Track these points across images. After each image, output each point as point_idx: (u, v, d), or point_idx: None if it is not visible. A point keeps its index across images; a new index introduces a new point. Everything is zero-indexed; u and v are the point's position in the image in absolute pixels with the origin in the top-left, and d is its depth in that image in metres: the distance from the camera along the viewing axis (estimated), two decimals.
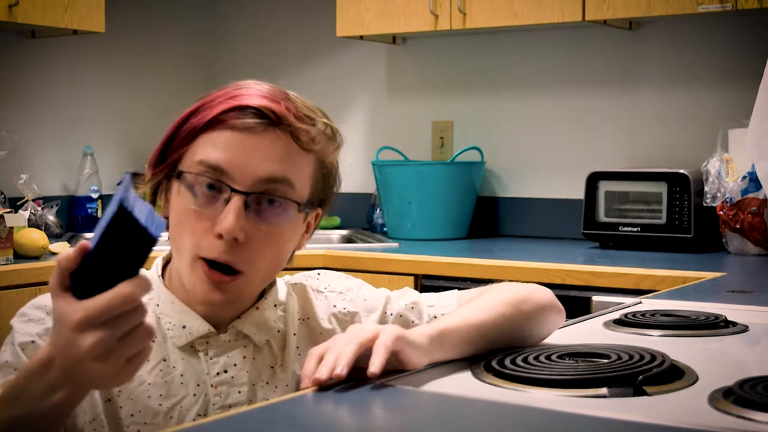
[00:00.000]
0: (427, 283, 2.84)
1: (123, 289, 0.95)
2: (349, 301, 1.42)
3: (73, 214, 3.59)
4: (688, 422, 0.99)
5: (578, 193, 3.24)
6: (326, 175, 1.34)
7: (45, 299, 1.28)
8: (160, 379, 1.28)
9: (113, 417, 1.26)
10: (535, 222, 3.53)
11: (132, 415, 1.26)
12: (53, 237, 3.13)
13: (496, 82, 3.61)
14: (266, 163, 1.25)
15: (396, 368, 1.17)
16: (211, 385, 1.29)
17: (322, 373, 1.10)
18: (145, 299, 1.28)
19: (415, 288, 2.81)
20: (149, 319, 1.26)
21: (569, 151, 3.47)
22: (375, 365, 1.11)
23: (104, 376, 0.97)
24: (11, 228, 2.68)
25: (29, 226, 2.95)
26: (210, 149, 1.25)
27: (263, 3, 4.10)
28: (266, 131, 1.26)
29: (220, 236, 1.23)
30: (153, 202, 1.32)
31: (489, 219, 3.62)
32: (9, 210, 2.81)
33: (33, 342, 1.23)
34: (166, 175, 1.30)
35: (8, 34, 3.43)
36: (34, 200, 3.26)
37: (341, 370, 1.10)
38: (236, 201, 1.24)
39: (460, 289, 1.48)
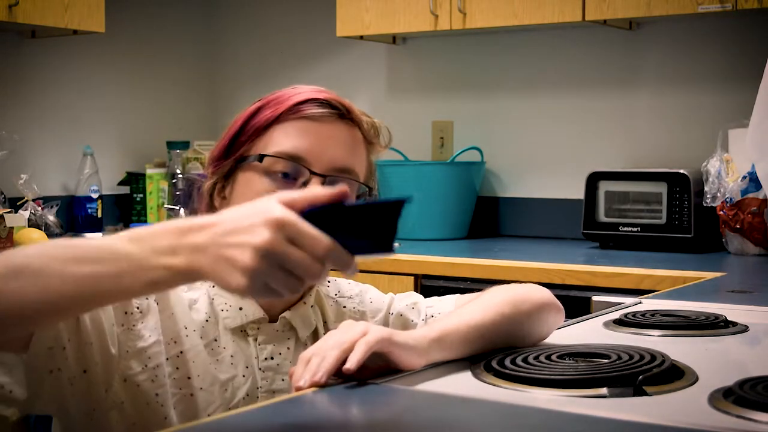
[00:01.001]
0: (427, 283, 2.84)
1: (337, 248, 0.93)
2: (359, 302, 1.49)
3: (73, 214, 3.59)
4: (688, 422, 0.99)
5: (578, 193, 3.24)
6: (372, 170, 1.43)
7: None
8: (211, 358, 1.32)
9: (180, 371, 1.28)
10: (535, 222, 3.53)
11: (191, 378, 1.29)
12: (53, 237, 3.13)
13: (496, 82, 3.61)
14: (340, 150, 1.35)
15: (389, 369, 1.17)
16: (260, 368, 1.34)
17: (305, 380, 1.12)
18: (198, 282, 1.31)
19: (415, 288, 2.82)
20: (202, 299, 1.34)
21: (569, 151, 3.47)
22: (351, 362, 1.12)
23: (240, 273, 0.91)
24: (11, 228, 2.68)
25: (29, 226, 2.95)
26: (286, 138, 1.33)
27: (263, 3, 4.10)
28: (337, 121, 1.36)
29: None
30: (210, 198, 1.37)
31: (489, 219, 3.62)
32: (9, 210, 2.81)
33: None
34: (231, 168, 1.35)
35: (8, 34, 3.43)
36: (34, 200, 3.26)
37: (320, 377, 1.11)
38: (315, 182, 1.31)
39: (460, 289, 1.49)
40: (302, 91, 1.37)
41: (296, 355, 1.33)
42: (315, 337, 1.40)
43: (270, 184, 1.32)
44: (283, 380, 1.35)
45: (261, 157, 1.33)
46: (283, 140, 1.33)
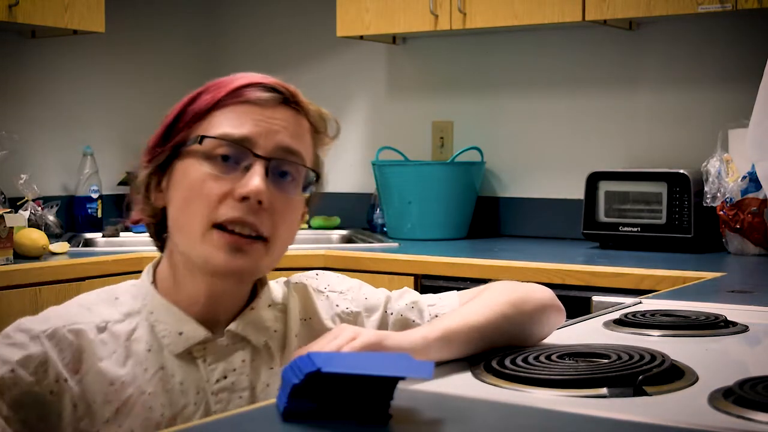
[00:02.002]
0: (427, 283, 2.84)
1: None
2: (351, 300, 1.41)
3: (73, 214, 3.59)
4: (688, 422, 0.99)
5: (578, 193, 3.24)
6: (319, 164, 1.34)
7: (30, 322, 1.23)
8: (161, 388, 1.24)
9: (134, 417, 1.22)
10: (535, 222, 3.53)
11: (132, 431, 1.22)
12: (53, 237, 3.13)
13: (496, 82, 3.61)
14: (284, 133, 1.27)
15: None
16: (212, 393, 1.26)
17: None
18: (136, 306, 1.28)
19: (415, 288, 2.82)
20: (141, 327, 1.26)
21: (569, 151, 3.47)
22: None
23: None
24: (11, 228, 2.68)
25: (29, 226, 2.95)
26: (228, 122, 1.25)
27: (263, 3, 4.10)
28: (280, 105, 1.28)
29: (242, 199, 1.22)
30: (146, 190, 1.30)
31: (489, 219, 3.62)
32: (9, 210, 2.81)
33: (12, 371, 1.17)
34: (168, 157, 1.28)
35: (8, 34, 3.43)
36: (34, 200, 3.26)
37: None
38: (259, 166, 1.23)
39: (459, 289, 1.47)
40: (244, 76, 1.29)
41: (254, 365, 1.29)
42: (283, 339, 1.33)
43: (210, 168, 1.23)
44: (240, 398, 1.27)
45: (201, 139, 1.24)
46: (223, 123, 1.25)
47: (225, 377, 1.27)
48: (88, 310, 1.27)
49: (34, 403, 1.18)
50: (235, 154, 1.24)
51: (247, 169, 1.24)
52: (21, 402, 1.17)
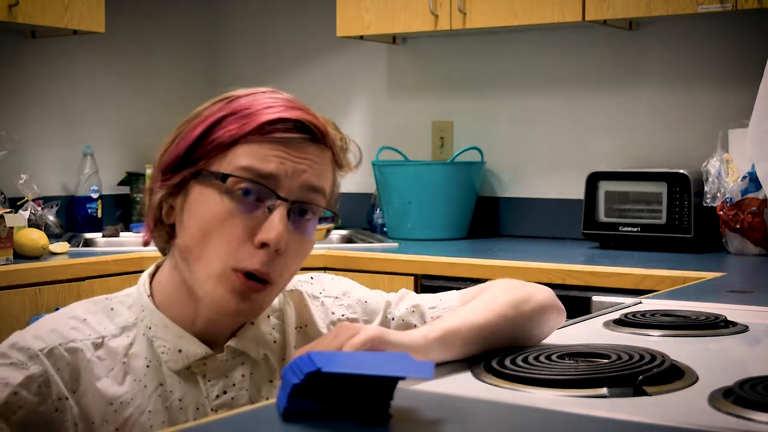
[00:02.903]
0: (426, 283, 2.84)
1: None
2: (347, 306, 1.40)
3: (73, 214, 3.59)
4: (688, 422, 0.99)
5: (578, 193, 3.24)
6: (335, 199, 1.33)
7: (25, 339, 1.21)
8: (161, 406, 1.23)
9: None
10: (535, 222, 3.53)
11: None
12: (53, 237, 3.13)
13: (496, 82, 3.61)
14: (310, 173, 1.23)
15: None
16: (212, 409, 1.25)
17: None
18: (132, 319, 1.27)
19: (415, 288, 2.82)
20: (139, 342, 1.24)
21: (569, 151, 3.47)
22: None
23: None
24: (11, 228, 2.68)
25: (29, 226, 2.95)
26: (254, 159, 1.21)
27: (263, 3, 4.10)
28: (309, 145, 1.24)
29: (261, 246, 1.19)
30: (159, 208, 1.26)
31: (489, 219, 3.62)
32: (9, 210, 2.81)
33: (16, 394, 1.16)
34: (184, 178, 1.24)
35: (8, 34, 3.43)
36: (34, 200, 3.26)
37: None
38: (282, 209, 1.20)
39: (459, 289, 1.47)
40: (271, 105, 1.24)
41: (254, 379, 1.28)
42: (282, 349, 1.33)
43: (231, 204, 1.20)
44: None
45: (225, 177, 1.20)
46: (248, 160, 1.21)
47: (225, 392, 1.26)
48: (84, 323, 1.25)
49: (40, 423, 1.17)
50: (257, 191, 1.21)
51: (270, 210, 1.21)
52: (27, 423, 1.16)
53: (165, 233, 1.27)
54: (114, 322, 1.26)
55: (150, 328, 1.26)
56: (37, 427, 1.17)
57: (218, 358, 1.27)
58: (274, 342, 1.32)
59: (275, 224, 1.19)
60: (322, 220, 1.29)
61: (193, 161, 1.23)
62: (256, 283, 1.21)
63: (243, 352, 1.28)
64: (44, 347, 1.20)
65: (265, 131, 1.22)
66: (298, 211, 1.24)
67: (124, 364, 1.23)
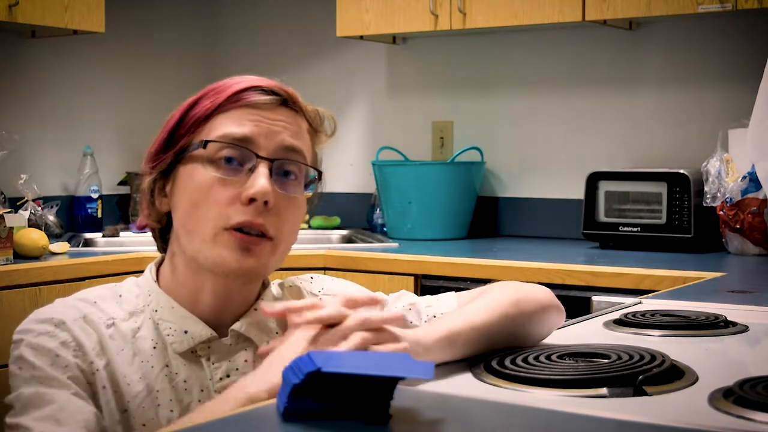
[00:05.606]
0: (427, 284, 2.84)
1: None
2: None
3: (73, 214, 3.59)
4: (688, 422, 0.99)
5: (578, 193, 3.24)
6: (318, 162, 1.38)
7: (46, 313, 1.26)
8: (167, 384, 1.27)
9: (128, 429, 1.24)
10: (535, 222, 3.53)
11: (144, 425, 1.24)
12: (53, 237, 3.13)
13: (496, 82, 3.61)
14: (285, 133, 1.30)
15: None
16: (215, 391, 1.28)
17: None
18: (140, 305, 1.30)
19: (415, 288, 2.82)
20: (146, 326, 1.29)
21: (569, 151, 3.47)
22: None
23: None
24: (11, 228, 2.68)
25: (29, 226, 2.95)
26: (230, 125, 1.29)
27: (263, 3, 4.10)
28: (280, 108, 1.31)
29: (249, 201, 1.25)
30: (151, 195, 1.32)
31: (489, 219, 3.62)
32: (9, 210, 2.81)
33: (57, 356, 1.21)
34: (171, 163, 1.30)
35: (8, 34, 3.43)
36: (34, 200, 3.26)
37: None
38: (263, 167, 1.26)
39: (459, 289, 1.47)
40: (243, 79, 1.33)
41: (257, 365, 1.26)
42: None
43: (215, 172, 1.26)
44: None
45: (205, 143, 1.27)
46: (225, 127, 1.28)
47: (228, 376, 1.29)
48: (94, 305, 1.29)
49: (83, 384, 1.22)
50: (239, 156, 1.28)
51: (252, 170, 1.27)
52: (77, 382, 1.21)
53: (157, 215, 1.34)
54: (122, 307, 1.31)
55: (156, 311, 1.30)
56: (83, 387, 1.22)
57: (222, 342, 1.31)
58: (277, 333, 1.35)
59: (258, 179, 1.25)
60: (307, 185, 1.34)
61: (175, 141, 1.31)
62: (253, 237, 1.26)
63: (247, 338, 1.32)
64: (67, 318, 1.24)
65: (237, 99, 1.30)
66: (282, 173, 1.30)
67: (132, 345, 1.27)
